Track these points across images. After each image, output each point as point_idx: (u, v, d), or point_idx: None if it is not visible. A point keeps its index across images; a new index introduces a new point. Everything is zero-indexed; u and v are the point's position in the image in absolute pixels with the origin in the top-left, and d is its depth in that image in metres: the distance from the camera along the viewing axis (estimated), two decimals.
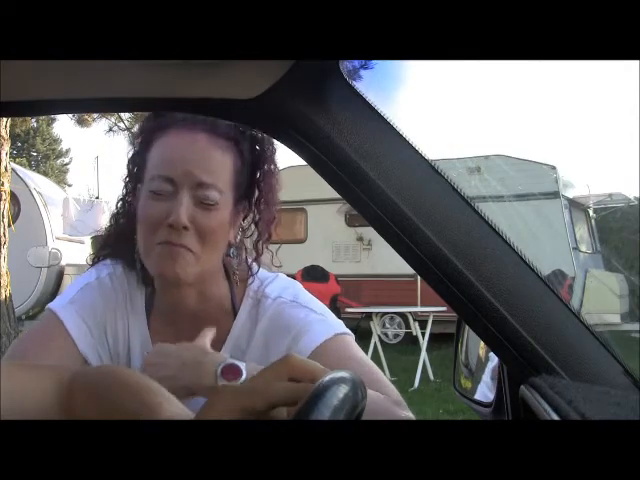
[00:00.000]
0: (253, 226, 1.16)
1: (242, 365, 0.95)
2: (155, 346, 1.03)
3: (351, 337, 1.14)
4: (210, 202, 1.04)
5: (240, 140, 1.09)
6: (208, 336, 1.03)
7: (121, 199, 1.18)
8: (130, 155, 1.16)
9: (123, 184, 1.17)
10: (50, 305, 1.12)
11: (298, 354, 0.70)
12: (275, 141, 1.13)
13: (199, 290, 1.12)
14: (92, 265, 1.19)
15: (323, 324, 1.11)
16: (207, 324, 1.11)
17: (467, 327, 1.13)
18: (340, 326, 1.13)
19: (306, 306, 1.13)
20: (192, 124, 1.05)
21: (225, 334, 1.13)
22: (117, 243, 1.17)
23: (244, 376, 0.94)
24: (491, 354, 1.02)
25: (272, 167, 1.15)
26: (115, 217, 1.18)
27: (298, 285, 1.18)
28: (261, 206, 1.15)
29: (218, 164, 1.06)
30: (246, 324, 1.14)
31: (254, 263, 1.17)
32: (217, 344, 1.12)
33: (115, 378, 0.79)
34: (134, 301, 1.15)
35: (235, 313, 1.15)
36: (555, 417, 0.65)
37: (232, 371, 0.95)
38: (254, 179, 1.14)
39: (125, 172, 1.17)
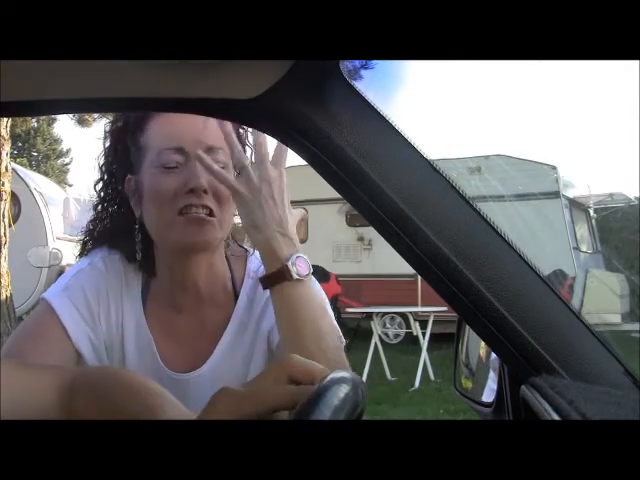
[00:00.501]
0: None
1: (309, 266, 1.04)
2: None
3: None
4: (221, 165, 1.07)
5: None
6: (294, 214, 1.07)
7: (103, 192, 1.17)
8: (112, 148, 1.16)
9: (105, 178, 1.16)
10: (44, 294, 1.12)
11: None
12: None
13: (208, 263, 1.12)
14: (83, 254, 1.19)
15: None
16: (210, 304, 1.14)
17: (467, 327, 1.13)
18: None
19: None
20: None
21: (228, 315, 1.14)
22: (107, 234, 1.17)
23: (309, 273, 1.04)
24: (492, 354, 1.02)
25: (260, 138, 1.16)
26: (100, 213, 1.18)
27: None
28: None
29: (218, 128, 1.08)
30: (250, 305, 1.15)
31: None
32: (220, 325, 1.14)
33: (116, 379, 0.79)
34: (130, 285, 1.15)
35: (236, 293, 1.16)
36: (556, 417, 0.65)
37: (303, 265, 1.03)
38: (244, 147, 1.15)
39: (106, 165, 1.17)
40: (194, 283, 1.12)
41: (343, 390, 0.61)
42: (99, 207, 1.18)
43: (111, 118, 1.17)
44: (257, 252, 1.17)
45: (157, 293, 1.15)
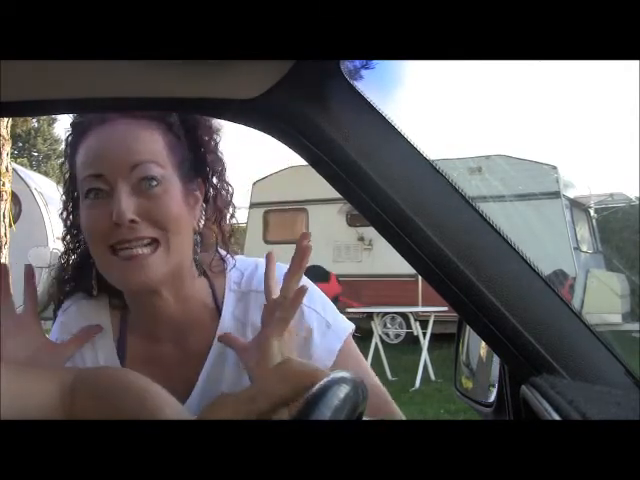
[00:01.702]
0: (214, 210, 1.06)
1: None
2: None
3: (351, 332, 1.09)
4: (152, 180, 0.93)
5: (165, 116, 0.99)
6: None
7: (65, 226, 1.09)
8: (63, 176, 1.08)
9: (63, 210, 1.09)
10: None
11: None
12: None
13: (175, 292, 1.00)
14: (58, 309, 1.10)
15: (329, 334, 1.04)
16: (191, 328, 1.04)
17: (468, 327, 1.13)
18: (343, 328, 1.07)
19: (306, 305, 1.02)
20: (111, 120, 0.96)
21: (212, 335, 1.03)
22: (73, 273, 1.09)
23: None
24: (492, 354, 1.02)
25: (214, 137, 1.05)
26: (66, 250, 1.10)
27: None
28: (214, 181, 1.05)
29: (147, 141, 0.95)
30: (235, 322, 1.04)
31: (226, 251, 1.07)
32: (204, 346, 1.03)
33: (116, 381, 0.79)
34: (102, 324, 1.06)
35: (219, 310, 1.04)
36: (556, 417, 0.65)
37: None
38: (198, 154, 1.03)
39: (62, 196, 1.09)
40: (166, 315, 1.01)
41: (343, 390, 0.61)
42: (66, 239, 1.10)
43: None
44: (237, 262, 1.07)
45: (134, 325, 1.06)
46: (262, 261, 1.04)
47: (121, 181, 0.93)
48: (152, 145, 0.96)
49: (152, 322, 1.03)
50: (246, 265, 1.08)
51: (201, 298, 1.05)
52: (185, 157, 1.00)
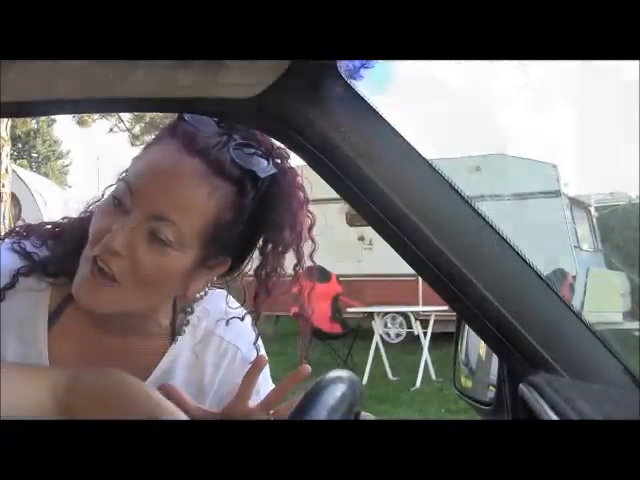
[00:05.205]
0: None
1: None
2: None
3: None
4: (163, 240, 0.84)
5: (242, 181, 0.87)
6: None
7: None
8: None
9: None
10: None
11: None
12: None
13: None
14: None
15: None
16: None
17: (467, 326, 1.13)
18: None
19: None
20: (191, 143, 0.85)
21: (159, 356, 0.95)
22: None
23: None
24: (491, 353, 1.02)
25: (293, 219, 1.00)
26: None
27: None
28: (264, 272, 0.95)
29: (193, 204, 0.84)
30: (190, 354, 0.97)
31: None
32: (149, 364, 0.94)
33: (114, 382, 0.79)
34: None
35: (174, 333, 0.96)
36: (552, 415, 0.65)
37: None
38: (256, 230, 0.93)
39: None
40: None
41: (339, 389, 0.61)
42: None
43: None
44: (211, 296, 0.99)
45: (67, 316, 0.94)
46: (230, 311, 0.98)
47: (140, 213, 0.84)
48: (195, 211, 0.85)
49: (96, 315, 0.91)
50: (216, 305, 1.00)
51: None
52: (230, 233, 0.89)
